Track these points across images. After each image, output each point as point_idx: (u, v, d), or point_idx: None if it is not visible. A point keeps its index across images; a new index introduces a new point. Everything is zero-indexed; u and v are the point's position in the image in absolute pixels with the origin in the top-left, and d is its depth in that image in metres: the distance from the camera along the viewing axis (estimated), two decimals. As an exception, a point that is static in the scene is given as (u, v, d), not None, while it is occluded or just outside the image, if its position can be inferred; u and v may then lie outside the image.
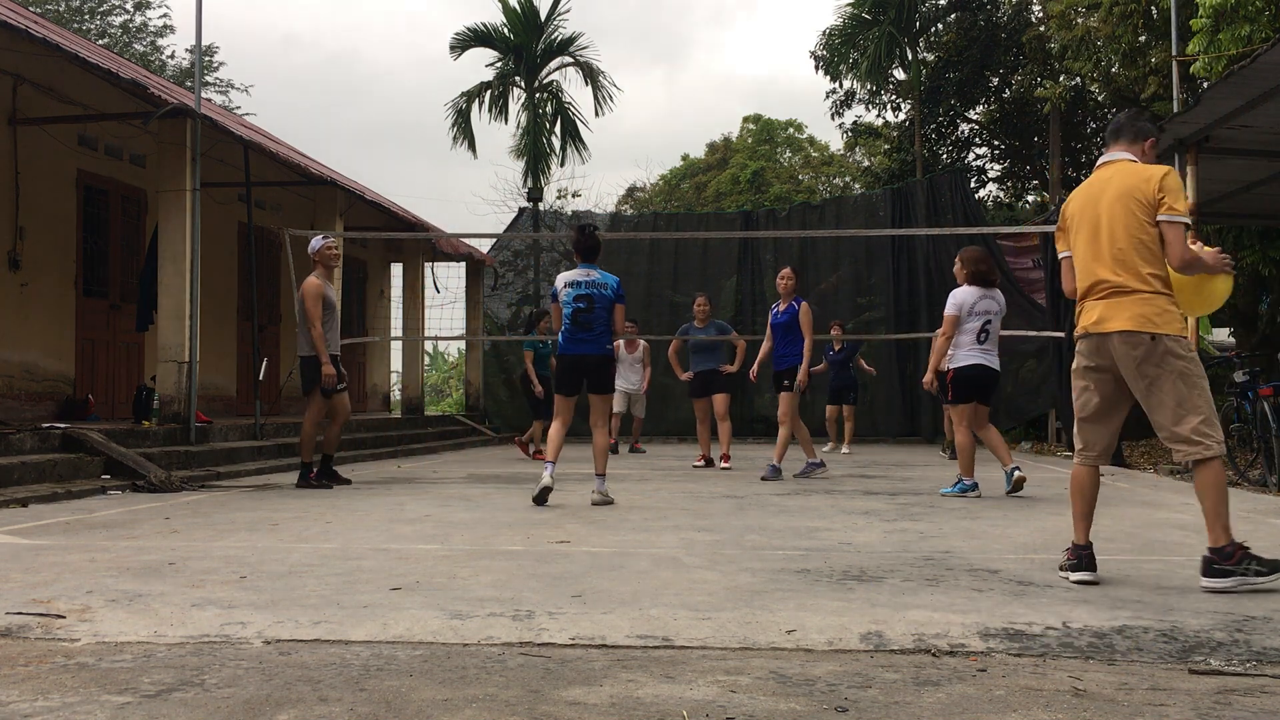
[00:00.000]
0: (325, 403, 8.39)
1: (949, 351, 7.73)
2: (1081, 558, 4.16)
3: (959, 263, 7.88)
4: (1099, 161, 4.38)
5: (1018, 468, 7.74)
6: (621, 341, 13.51)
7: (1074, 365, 4.33)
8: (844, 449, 14.07)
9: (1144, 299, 4.07)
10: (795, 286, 9.39)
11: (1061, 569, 4.23)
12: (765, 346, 9.59)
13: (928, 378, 8.26)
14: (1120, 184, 4.17)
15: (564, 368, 7.20)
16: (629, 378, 13.40)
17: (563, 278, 7.24)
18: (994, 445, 7.85)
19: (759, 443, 15.57)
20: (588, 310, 7.02)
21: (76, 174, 11.09)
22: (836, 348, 14.18)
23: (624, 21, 69.07)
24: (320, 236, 8.70)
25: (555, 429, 7.18)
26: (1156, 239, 4.12)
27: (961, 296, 7.71)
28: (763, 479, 9.03)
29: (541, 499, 6.80)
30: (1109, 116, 20.44)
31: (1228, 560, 3.90)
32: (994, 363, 7.71)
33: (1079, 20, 15.83)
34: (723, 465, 10.39)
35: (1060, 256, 4.42)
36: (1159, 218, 4.11)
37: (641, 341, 13.61)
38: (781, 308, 9.36)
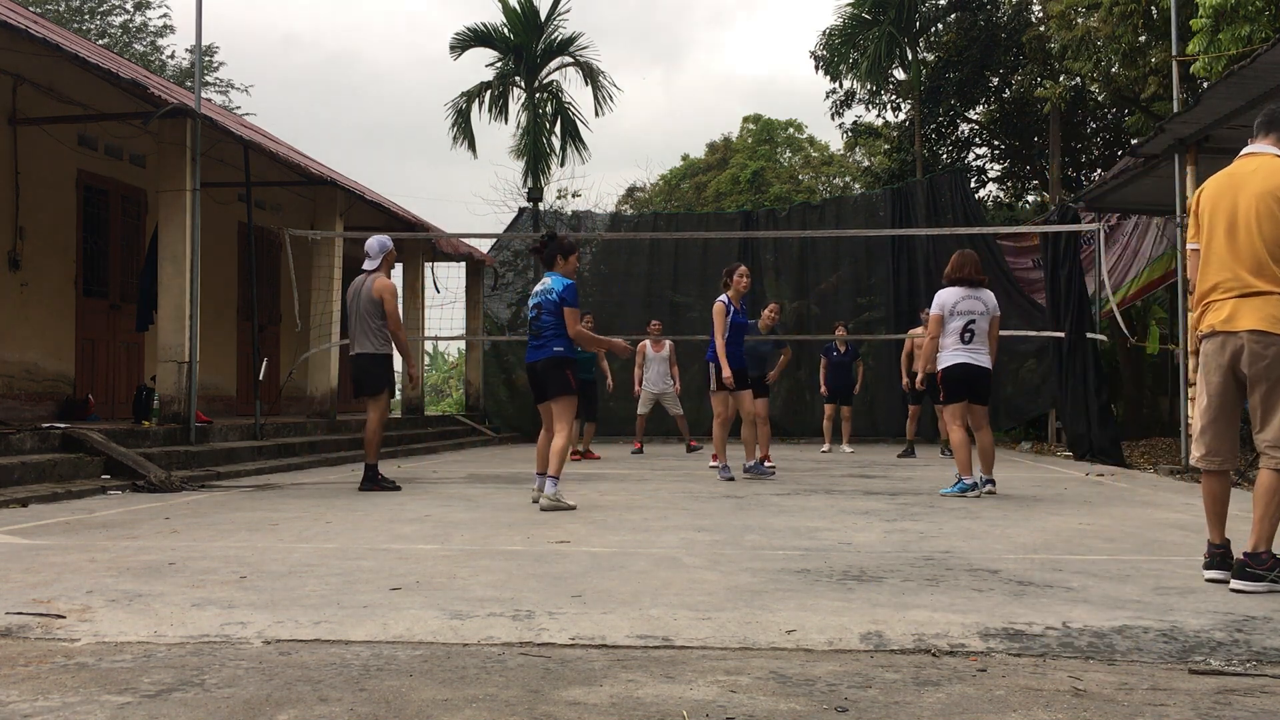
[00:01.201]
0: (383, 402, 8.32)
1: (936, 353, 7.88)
2: (1215, 556, 4.13)
3: (950, 266, 8.01)
4: (1243, 151, 4.19)
5: (992, 482, 7.76)
6: (648, 341, 13.48)
7: (1201, 366, 4.18)
8: (845, 448, 14.06)
9: (1278, 301, 3.93)
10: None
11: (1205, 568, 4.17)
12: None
13: (919, 377, 8.37)
14: (1266, 181, 4.00)
15: (529, 378, 7.25)
16: (655, 378, 13.33)
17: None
18: (983, 449, 7.91)
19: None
20: (536, 318, 7.00)
21: (76, 174, 11.09)
22: (841, 349, 14.13)
23: (623, 22, 69.10)
24: (387, 237, 8.49)
25: (541, 438, 7.15)
26: None
27: (943, 297, 7.83)
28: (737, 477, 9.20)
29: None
30: (1109, 116, 20.50)
31: (1261, 566, 3.91)
32: (982, 360, 7.74)
33: (1079, 20, 15.82)
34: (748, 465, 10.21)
35: (1190, 248, 4.28)
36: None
37: (667, 341, 13.55)
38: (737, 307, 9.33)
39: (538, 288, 7.15)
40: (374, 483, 8.00)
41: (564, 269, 7.16)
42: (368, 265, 8.27)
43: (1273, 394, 3.98)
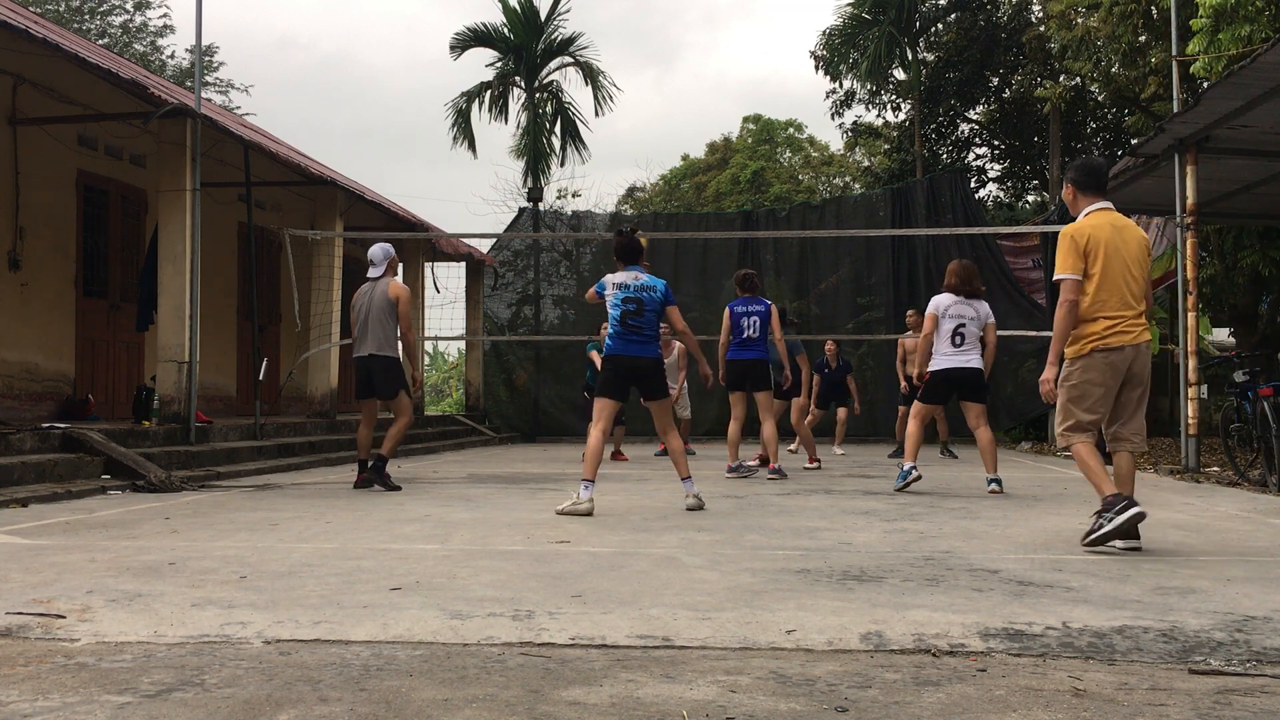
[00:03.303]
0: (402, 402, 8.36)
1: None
2: (1120, 501, 4.85)
3: (948, 273, 8.33)
4: (1096, 206, 5.17)
5: (997, 481, 7.92)
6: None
7: (1089, 369, 5.00)
8: (838, 449, 13.94)
9: (1149, 328, 5.06)
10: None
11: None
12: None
13: (916, 375, 8.69)
14: (1136, 233, 5.12)
15: (613, 370, 6.81)
16: (670, 380, 13.22)
17: (610, 278, 6.98)
18: (983, 447, 8.08)
19: (759, 442, 15.55)
20: (637, 313, 6.76)
21: (76, 174, 11.09)
22: (832, 365, 14.03)
23: (620, 22, 69.06)
24: (389, 244, 8.65)
25: (597, 437, 6.66)
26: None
27: (938, 300, 8.17)
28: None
29: (578, 513, 6.33)
30: (1109, 116, 20.51)
31: (1100, 513, 4.89)
32: (972, 362, 8.02)
33: (1079, 20, 15.83)
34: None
35: (1070, 278, 5.03)
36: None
37: (676, 344, 13.36)
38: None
39: (626, 280, 6.82)
40: (382, 476, 8.06)
41: (648, 268, 7.05)
42: (373, 273, 8.40)
43: (1144, 396, 5.08)
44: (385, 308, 8.19)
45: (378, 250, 8.48)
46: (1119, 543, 4.83)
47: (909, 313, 14.19)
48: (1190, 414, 10.03)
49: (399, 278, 9.57)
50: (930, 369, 8.11)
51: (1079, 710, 2.55)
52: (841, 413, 14.07)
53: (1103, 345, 4.95)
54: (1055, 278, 5.10)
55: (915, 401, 8.28)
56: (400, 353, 8.37)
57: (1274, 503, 7.29)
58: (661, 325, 14.10)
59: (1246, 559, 4.76)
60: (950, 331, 8.00)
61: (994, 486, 7.84)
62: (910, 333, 13.30)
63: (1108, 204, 5.19)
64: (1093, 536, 4.84)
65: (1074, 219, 5.28)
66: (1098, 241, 4.98)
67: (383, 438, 8.45)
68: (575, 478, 9.49)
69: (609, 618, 3.47)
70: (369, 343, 8.19)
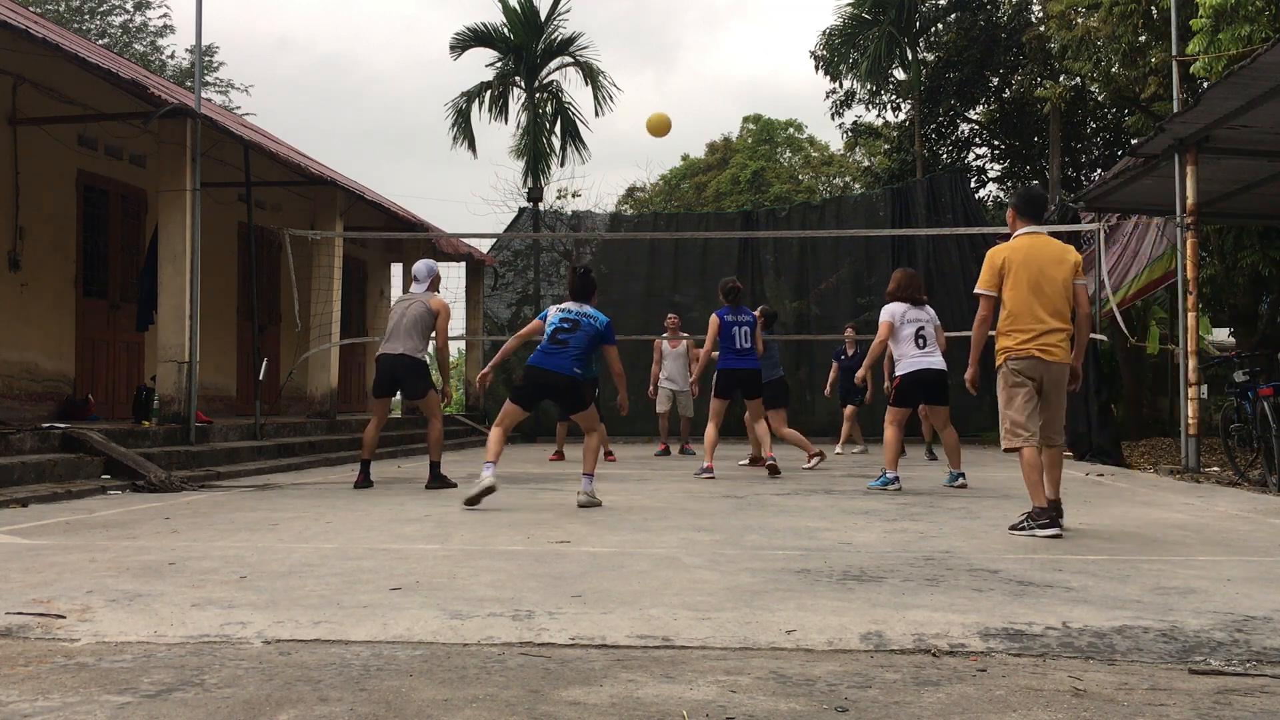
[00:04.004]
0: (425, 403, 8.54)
1: (895, 358, 8.55)
2: (1052, 512, 5.49)
3: (891, 280, 8.71)
4: (1023, 230, 5.75)
5: (962, 475, 8.38)
6: (664, 340, 13.30)
7: (1010, 376, 5.63)
8: (837, 449, 13.86)
9: (1068, 335, 5.65)
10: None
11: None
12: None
13: (860, 376, 9.26)
14: (1055, 254, 5.65)
15: (527, 380, 7.03)
16: (674, 375, 13.03)
17: (555, 306, 7.30)
18: (949, 447, 8.47)
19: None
20: (570, 331, 6.94)
21: (76, 174, 11.09)
22: (850, 352, 13.96)
23: (620, 22, 68.98)
24: (434, 262, 8.97)
25: (497, 435, 6.97)
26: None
27: (890, 308, 8.50)
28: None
29: (476, 500, 6.61)
30: (1109, 116, 20.50)
31: (1029, 517, 5.54)
32: (937, 363, 8.37)
33: (1079, 20, 15.82)
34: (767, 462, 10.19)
35: (988, 293, 5.71)
36: (1076, 282, 5.69)
37: (685, 336, 13.30)
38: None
39: (571, 307, 7.10)
40: (439, 479, 8.23)
41: (595, 305, 7.28)
42: (415, 288, 8.66)
43: (1060, 401, 5.68)
44: (424, 317, 8.36)
45: (422, 266, 8.76)
46: (1041, 531, 5.44)
47: (848, 328, 14.49)
48: (1190, 414, 10.03)
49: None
50: (900, 373, 8.38)
51: (1079, 710, 2.55)
52: (849, 410, 13.86)
53: (1015, 355, 5.60)
54: (974, 292, 5.83)
55: (890, 407, 8.44)
56: (425, 358, 8.48)
57: (1274, 503, 7.29)
58: (671, 317, 13.93)
59: (1246, 559, 4.76)
60: (913, 335, 8.33)
61: (961, 480, 8.31)
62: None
63: (1039, 229, 5.77)
64: (1016, 531, 5.59)
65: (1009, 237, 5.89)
66: (1013, 263, 5.61)
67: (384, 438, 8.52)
68: (575, 477, 9.50)
69: (609, 618, 3.47)
70: (400, 344, 8.29)
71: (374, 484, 8.34)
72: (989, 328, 5.73)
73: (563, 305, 7.19)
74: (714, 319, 9.47)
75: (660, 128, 12.41)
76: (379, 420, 8.49)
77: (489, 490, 6.62)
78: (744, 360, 9.36)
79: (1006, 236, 5.96)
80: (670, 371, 13.09)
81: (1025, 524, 5.55)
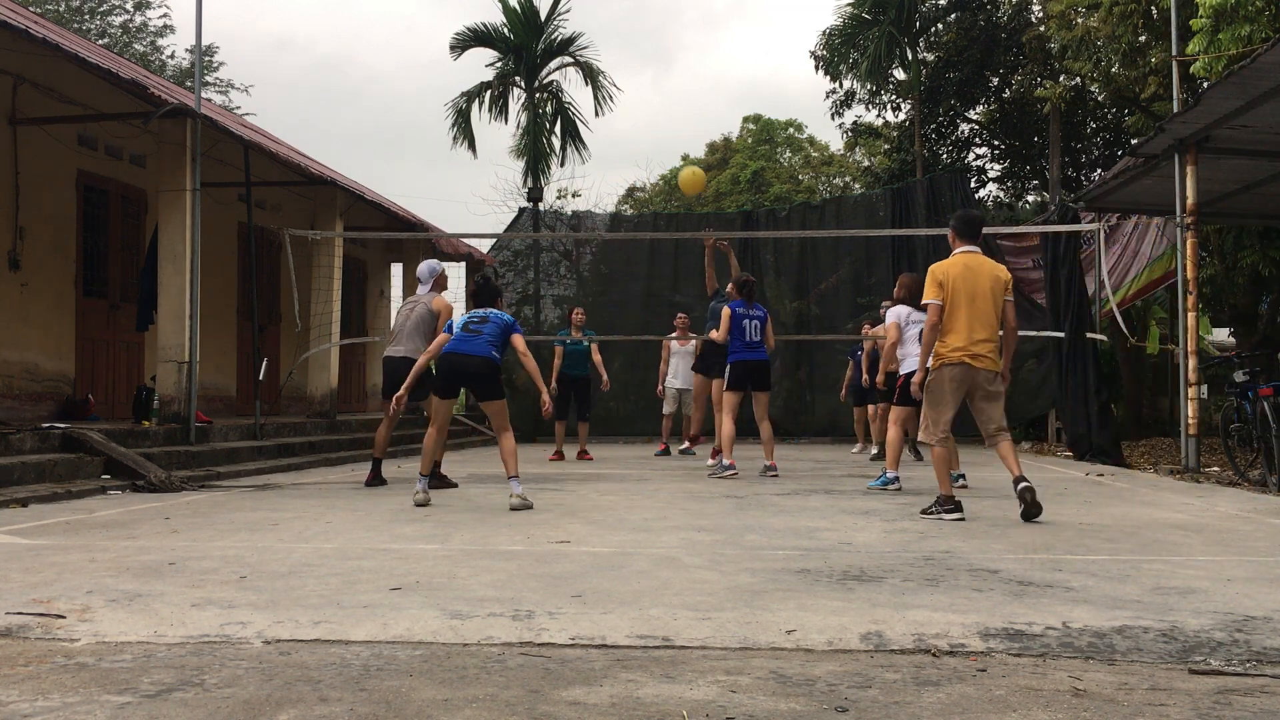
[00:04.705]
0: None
1: (898, 357, 8.66)
2: (954, 502, 6.26)
3: (898, 286, 8.83)
4: (962, 249, 6.42)
5: (962, 475, 8.31)
6: (673, 340, 13.21)
7: (939, 381, 6.30)
8: (875, 449, 13.68)
9: (997, 348, 6.37)
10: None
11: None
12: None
13: (880, 379, 9.22)
14: (991, 272, 6.34)
15: (444, 369, 7.13)
16: (682, 374, 12.83)
17: (460, 316, 7.44)
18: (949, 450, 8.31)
19: (759, 442, 15.54)
20: (481, 323, 7.14)
21: (76, 174, 11.08)
22: (868, 347, 13.78)
23: (619, 22, 68.88)
24: (436, 261, 9.17)
25: (433, 436, 7.23)
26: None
27: (897, 310, 8.66)
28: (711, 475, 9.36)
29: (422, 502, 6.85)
30: (1109, 116, 20.49)
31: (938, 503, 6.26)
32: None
33: (1079, 20, 15.81)
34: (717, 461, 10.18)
35: (934, 303, 6.31)
36: (1006, 299, 6.37)
37: (694, 336, 13.15)
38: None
39: (478, 311, 7.30)
40: (440, 479, 8.23)
41: (501, 305, 7.54)
42: (420, 290, 8.79)
43: (994, 399, 6.33)
44: (427, 319, 8.47)
45: (424, 268, 8.91)
46: (948, 516, 6.16)
47: (884, 306, 14.03)
48: (1190, 414, 10.02)
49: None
50: (904, 372, 8.42)
51: (1079, 710, 2.55)
52: (872, 410, 13.57)
53: (948, 361, 6.24)
54: (921, 303, 6.51)
55: (894, 406, 8.46)
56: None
57: (1274, 503, 7.29)
58: (680, 316, 13.77)
59: (1246, 559, 4.76)
60: (917, 336, 8.28)
61: (961, 481, 8.25)
62: (879, 326, 13.22)
63: (975, 249, 6.43)
64: (925, 512, 6.35)
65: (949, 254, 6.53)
66: (950, 277, 6.27)
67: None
68: (575, 477, 9.51)
69: (609, 618, 3.47)
70: (403, 346, 8.39)
71: (387, 482, 8.42)
72: (938, 335, 6.35)
73: (469, 314, 7.39)
74: (726, 310, 9.46)
75: (693, 185, 12.45)
76: (390, 421, 8.51)
77: (424, 504, 6.79)
78: (755, 353, 9.40)
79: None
80: (677, 370, 13.01)
81: (934, 509, 6.29)
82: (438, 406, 7.29)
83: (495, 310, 7.33)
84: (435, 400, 7.33)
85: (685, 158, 33.02)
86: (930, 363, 6.36)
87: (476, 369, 7.04)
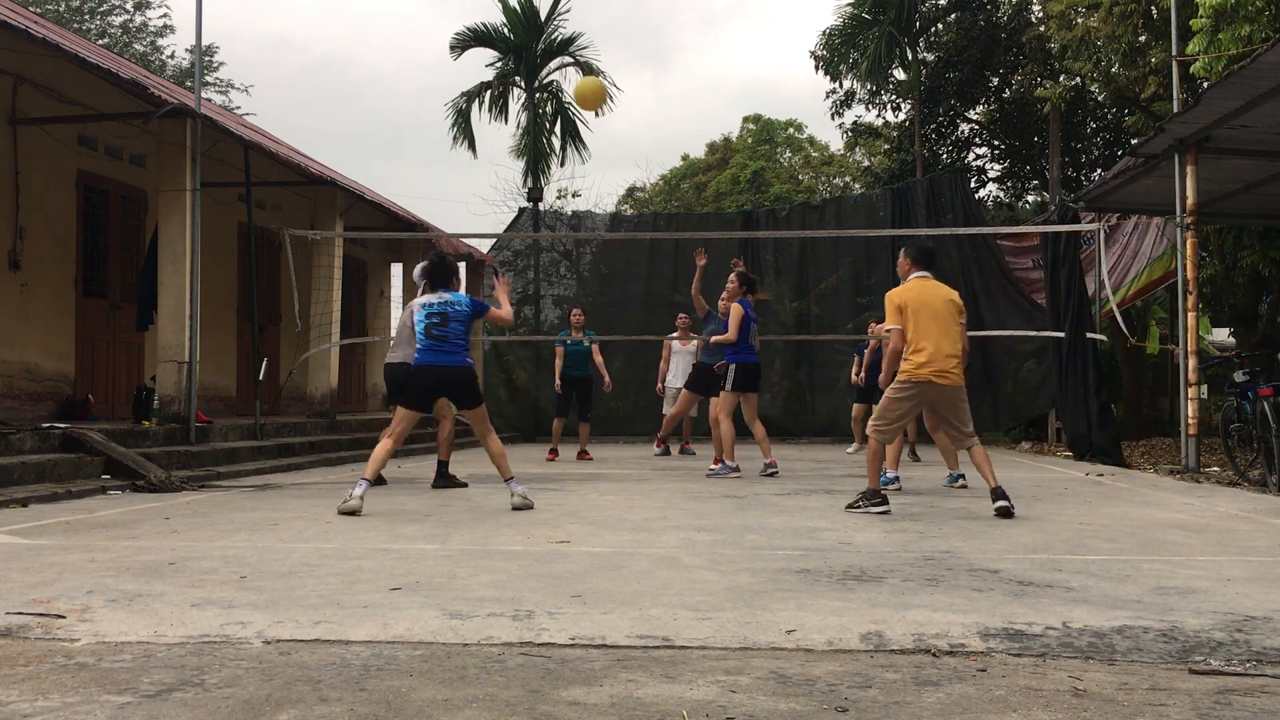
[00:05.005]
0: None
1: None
2: (882, 496, 6.56)
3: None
4: (918, 274, 6.83)
5: (963, 475, 8.37)
6: (674, 340, 13.19)
7: (902, 392, 6.60)
8: (849, 449, 13.82)
9: (959, 364, 6.70)
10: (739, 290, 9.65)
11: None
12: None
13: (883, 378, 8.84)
14: (948, 295, 6.75)
15: (419, 381, 6.93)
16: (682, 374, 12.70)
17: (416, 301, 7.21)
18: (945, 448, 8.34)
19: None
20: (441, 325, 6.86)
21: (76, 174, 11.08)
22: (872, 345, 13.76)
23: (618, 22, 68.84)
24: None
25: (387, 446, 6.91)
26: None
27: None
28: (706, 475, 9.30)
29: (351, 512, 6.29)
30: (1109, 116, 20.49)
31: (864, 497, 6.56)
32: None
33: (1079, 20, 15.81)
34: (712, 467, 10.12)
35: (895, 328, 6.64)
36: (960, 321, 6.77)
37: (695, 337, 13.11)
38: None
39: (431, 300, 7.01)
40: (448, 480, 8.49)
41: (457, 289, 7.25)
42: (420, 293, 8.68)
43: (955, 408, 6.68)
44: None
45: (418, 271, 8.78)
46: (874, 509, 6.44)
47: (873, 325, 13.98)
48: (1190, 414, 10.02)
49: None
50: None
51: (1079, 710, 2.55)
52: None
53: (912, 379, 6.55)
54: (884, 329, 6.79)
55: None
56: None
57: (1274, 503, 7.29)
58: (681, 316, 13.55)
59: (1246, 559, 4.76)
60: None
61: (961, 482, 8.26)
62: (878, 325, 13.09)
63: (928, 275, 6.80)
64: (852, 507, 6.61)
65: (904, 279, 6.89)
66: (907, 301, 6.63)
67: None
68: (575, 477, 9.51)
69: (609, 618, 3.47)
70: (401, 351, 8.34)
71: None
72: (899, 356, 6.67)
73: (423, 300, 7.06)
74: (739, 308, 9.36)
75: (590, 95, 11.70)
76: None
77: (355, 512, 6.29)
78: (754, 355, 9.46)
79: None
80: (677, 370, 13.00)
81: (860, 503, 6.55)
82: (402, 417, 6.96)
83: (452, 295, 7.01)
84: (401, 410, 6.99)
85: (685, 158, 33.02)
86: (897, 379, 6.64)
87: (456, 380, 6.89)
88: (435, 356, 6.84)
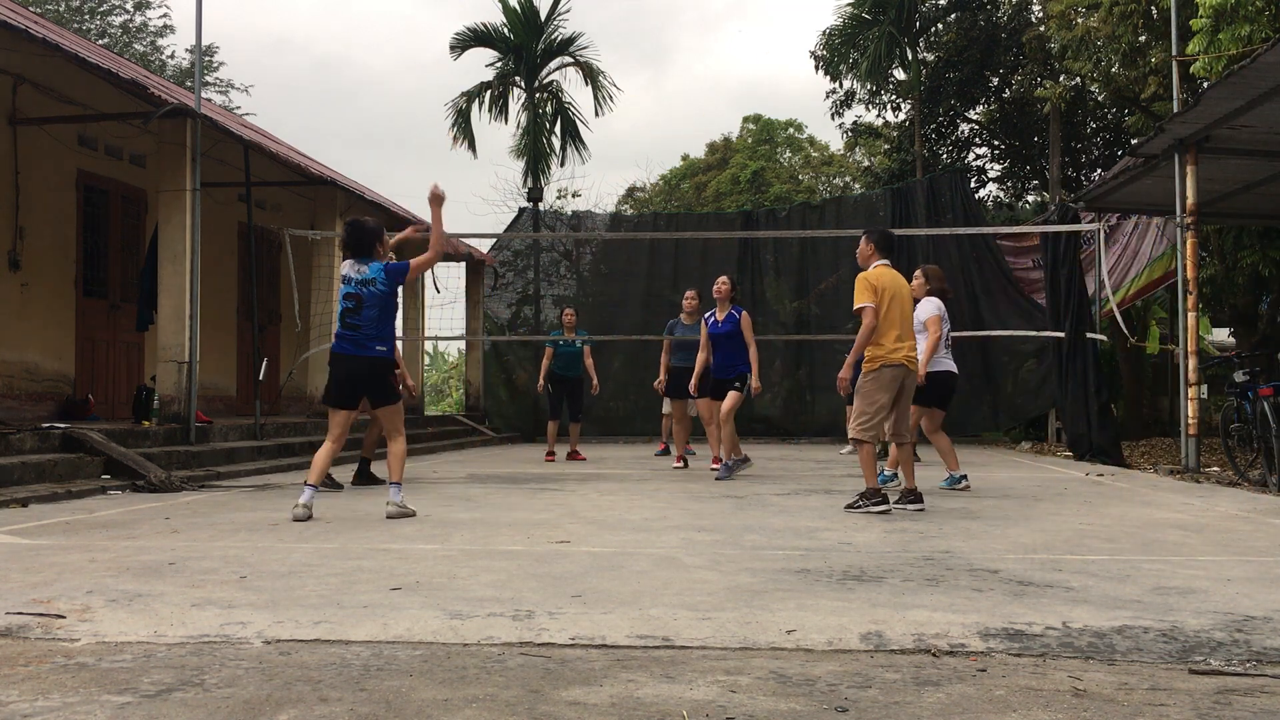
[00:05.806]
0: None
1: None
2: (882, 495, 6.54)
3: (924, 277, 8.40)
4: (882, 262, 6.77)
5: (964, 476, 8.23)
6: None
7: (879, 380, 6.53)
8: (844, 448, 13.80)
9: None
10: (732, 294, 9.54)
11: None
12: (702, 356, 9.71)
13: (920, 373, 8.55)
14: (906, 286, 6.80)
15: (334, 374, 6.42)
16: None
17: (341, 268, 6.54)
18: (944, 449, 8.29)
19: (759, 442, 15.58)
20: (355, 310, 6.30)
21: (76, 174, 11.09)
22: None
23: (618, 22, 68.88)
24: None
25: (328, 449, 6.36)
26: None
27: (937, 303, 8.22)
28: (718, 479, 9.06)
29: (300, 518, 6.01)
30: (1109, 116, 20.49)
31: (864, 497, 6.53)
32: (954, 367, 8.36)
33: (1079, 20, 15.81)
34: (711, 466, 10.15)
35: (869, 306, 6.53)
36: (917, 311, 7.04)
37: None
38: (720, 317, 9.49)
39: (350, 273, 6.37)
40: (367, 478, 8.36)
41: (381, 256, 6.50)
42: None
43: (909, 403, 6.79)
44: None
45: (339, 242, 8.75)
46: (874, 509, 6.41)
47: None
48: (1190, 414, 10.02)
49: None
50: (934, 369, 8.01)
51: (1079, 710, 2.55)
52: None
53: (888, 362, 6.50)
54: (857, 307, 6.61)
55: (932, 410, 8.11)
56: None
57: (1274, 503, 7.29)
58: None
59: (1246, 559, 4.76)
60: (947, 334, 8.23)
61: (965, 483, 8.19)
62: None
63: (888, 262, 6.80)
64: (851, 508, 6.56)
65: (878, 264, 6.81)
66: (883, 286, 6.59)
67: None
68: (575, 477, 9.51)
69: (609, 618, 3.47)
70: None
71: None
72: (870, 335, 6.58)
73: (344, 273, 6.42)
74: (748, 316, 9.43)
75: None
76: (340, 424, 8.50)
77: (302, 519, 5.99)
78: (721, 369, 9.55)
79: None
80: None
81: (860, 503, 6.51)
82: (334, 418, 6.43)
83: (371, 270, 6.30)
84: (331, 412, 6.47)
85: (685, 158, 33.00)
86: (864, 365, 6.58)
87: (364, 372, 6.33)
88: (346, 346, 6.37)
